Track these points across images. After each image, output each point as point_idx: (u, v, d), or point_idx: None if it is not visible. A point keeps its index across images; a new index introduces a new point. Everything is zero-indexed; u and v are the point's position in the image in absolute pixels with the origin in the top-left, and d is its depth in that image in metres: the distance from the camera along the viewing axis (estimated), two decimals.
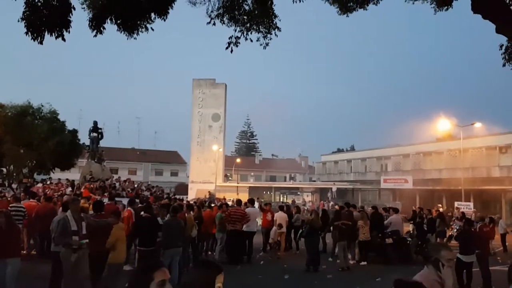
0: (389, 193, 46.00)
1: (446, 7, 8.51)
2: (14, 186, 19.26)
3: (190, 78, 55.75)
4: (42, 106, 35.72)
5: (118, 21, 7.07)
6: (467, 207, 27.24)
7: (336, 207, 18.59)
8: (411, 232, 15.24)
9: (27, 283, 6.46)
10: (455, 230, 17.09)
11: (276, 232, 13.85)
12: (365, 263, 12.80)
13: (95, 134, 23.73)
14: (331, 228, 14.07)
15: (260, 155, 79.00)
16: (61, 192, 17.55)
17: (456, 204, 28.93)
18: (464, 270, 9.36)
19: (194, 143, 51.28)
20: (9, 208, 9.67)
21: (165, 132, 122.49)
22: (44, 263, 9.53)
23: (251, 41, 7.58)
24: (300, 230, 13.22)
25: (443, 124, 36.47)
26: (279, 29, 7.70)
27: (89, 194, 16.34)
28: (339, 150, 78.47)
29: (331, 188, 45.45)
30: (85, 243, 6.80)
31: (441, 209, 22.36)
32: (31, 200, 11.64)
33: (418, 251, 13.79)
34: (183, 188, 50.49)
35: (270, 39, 7.71)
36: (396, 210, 15.47)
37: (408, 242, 13.76)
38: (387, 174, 47.96)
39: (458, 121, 35.94)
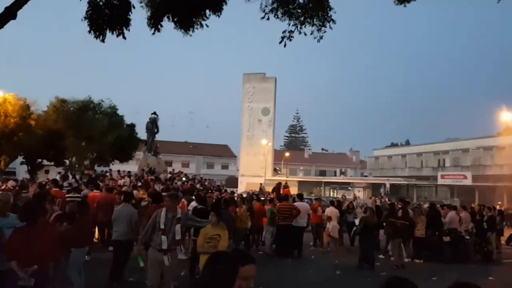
0: (446, 190, 44.13)
1: None
2: (77, 177, 20.45)
3: (241, 72, 56.11)
4: (102, 101, 37.63)
5: (175, 19, 7.27)
6: None
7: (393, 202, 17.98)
8: (470, 230, 14.56)
9: (88, 271, 6.79)
10: None
11: (337, 229, 13.69)
12: (421, 261, 12.40)
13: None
14: (384, 224, 13.76)
15: (309, 149, 78.47)
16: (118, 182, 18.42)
17: None
18: None
19: (244, 137, 51.79)
20: (66, 198, 10.18)
21: (216, 126, 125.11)
22: (105, 252, 10.08)
23: (305, 34, 7.48)
24: (355, 227, 12.99)
25: (506, 117, 34.26)
26: (334, 21, 7.52)
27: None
28: (393, 145, 76.26)
29: (384, 184, 44.23)
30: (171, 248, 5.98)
31: (501, 207, 21.13)
32: (95, 191, 12.26)
33: (477, 250, 13.16)
34: (233, 181, 51.27)
35: (325, 32, 7.55)
36: (454, 208, 14.89)
37: (466, 240, 13.14)
38: (444, 170, 46.04)
39: None
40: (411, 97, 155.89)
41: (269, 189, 36.80)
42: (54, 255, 5.03)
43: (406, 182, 47.35)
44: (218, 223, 6.47)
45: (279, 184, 21.03)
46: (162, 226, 5.90)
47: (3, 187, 13.74)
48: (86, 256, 7.07)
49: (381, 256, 12.65)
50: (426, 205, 16.77)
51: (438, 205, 16.06)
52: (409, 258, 12.51)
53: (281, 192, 18.91)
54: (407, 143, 76.17)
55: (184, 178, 23.17)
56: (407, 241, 12.45)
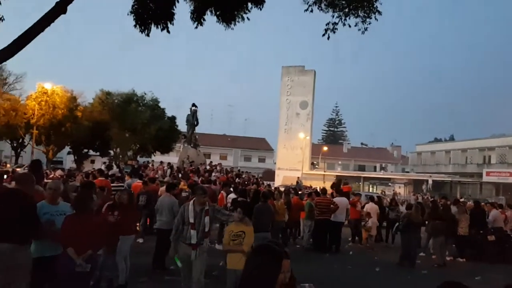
0: (491, 187, 42.38)
1: None
2: (122, 167, 21.19)
3: (279, 65, 55.76)
4: (145, 94, 38.71)
5: (218, 12, 7.33)
6: None
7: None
8: None
9: (132, 258, 7.03)
10: None
11: (376, 225, 13.48)
12: (463, 260, 12.03)
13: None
14: (426, 222, 13.42)
15: (348, 143, 77.21)
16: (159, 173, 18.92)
17: None
18: None
19: (281, 130, 51.57)
20: (111, 187, 10.54)
21: (254, 119, 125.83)
22: (148, 240, 10.40)
23: (349, 26, 7.32)
24: (397, 224, 12.71)
25: None
26: (379, 13, 7.32)
27: None
28: (437, 140, 73.95)
29: (426, 180, 42.91)
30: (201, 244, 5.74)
31: None
32: (138, 181, 12.67)
33: None
34: (270, 175, 51.30)
35: (369, 23, 7.35)
36: (499, 206, 14.32)
37: None
38: (490, 167, 44.21)
39: None
40: (456, 90, 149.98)
41: (306, 183, 36.68)
42: (103, 242, 5.24)
43: (449, 179, 45.77)
44: (242, 220, 6.03)
45: (339, 180, 20.25)
46: (191, 220, 5.71)
47: (51, 176, 14.46)
48: (140, 239, 7.33)
49: (422, 254, 12.36)
50: (469, 203, 16.21)
51: (483, 203, 15.49)
52: (451, 256, 12.23)
53: (341, 188, 18.15)
54: (451, 139, 73.86)
55: (218, 168, 23.42)
56: (449, 239, 12.16)
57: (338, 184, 18.64)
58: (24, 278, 4.41)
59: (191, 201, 5.91)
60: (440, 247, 11.35)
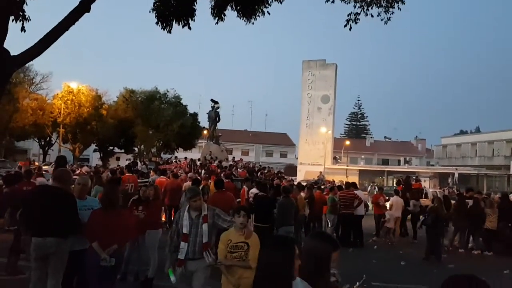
0: None
1: None
2: (147, 163, 21.56)
3: (300, 60, 55.36)
4: (168, 91, 39.18)
5: (238, 7, 7.34)
6: None
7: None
8: None
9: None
10: None
11: (394, 218, 13.33)
12: (491, 253, 11.88)
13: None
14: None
15: (371, 137, 76.28)
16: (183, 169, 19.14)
17: None
18: None
19: (303, 125, 51.21)
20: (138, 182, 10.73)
21: (275, 114, 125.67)
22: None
23: (372, 16, 7.20)
24: (423, 218, 12.50)
25: None
26: (402, 2, 7.18)
27: None
28: (462, 132, 72.25)
29: (452, 174, 41.99)
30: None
31: None
32: (161, 176, 12.87)
33: None
34: (292, 170, 51.16)
35: (392, 13, 7.22)
36: None
37: None
38: None
39: None
40: (482, 81, 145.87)
41: (329, 178, 36.41)
42: (129, 236, 5.33)
43: (476, 172, 44.72)
44: (244, 227, 4.58)
45: (407, 177, 18.71)
46: (184, 230, 4.69)
47: (77, 172, 14.86)
48: None
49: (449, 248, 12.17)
50: (497, 196, 15.84)
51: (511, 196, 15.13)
52: (478, 250, 12.05)
53: (412, 185, 16.81)
54: (478, 131, 72.06)
55: (240, 164, 23.51)
56: (476, 232, 12.08)
57: (408, 181, 17.54)
58: (61, 268, 4.65)
59: (186, 207, 4.90)
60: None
